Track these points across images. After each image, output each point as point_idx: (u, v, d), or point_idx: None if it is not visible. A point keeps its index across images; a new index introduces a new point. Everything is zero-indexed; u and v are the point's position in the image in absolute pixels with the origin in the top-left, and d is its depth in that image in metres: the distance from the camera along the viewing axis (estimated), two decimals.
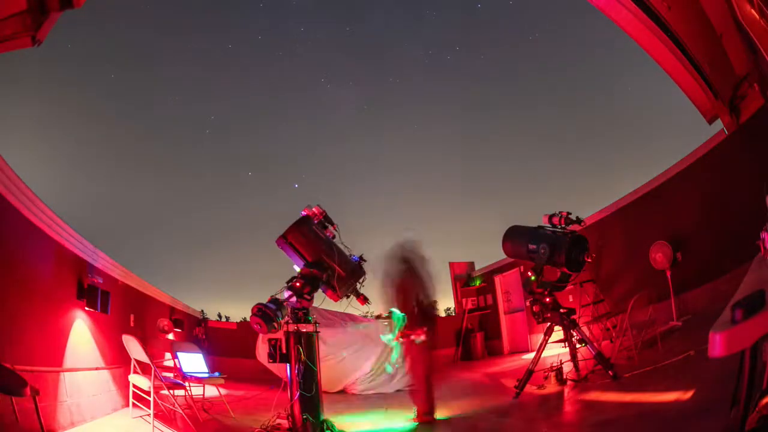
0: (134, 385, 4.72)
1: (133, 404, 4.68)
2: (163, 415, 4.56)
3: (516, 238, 5.28)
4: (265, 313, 3.45)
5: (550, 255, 4.86)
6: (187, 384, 5.16)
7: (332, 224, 3.92)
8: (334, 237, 3.93)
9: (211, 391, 6.01)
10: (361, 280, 3.98)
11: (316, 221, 3.89)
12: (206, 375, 5.65)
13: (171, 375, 5.43)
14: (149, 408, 4.31)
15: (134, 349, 4.68)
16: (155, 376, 4.33)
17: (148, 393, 4.42)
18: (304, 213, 3.89)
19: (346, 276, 3.81)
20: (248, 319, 3.58)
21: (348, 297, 3.94)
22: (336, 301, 3.91)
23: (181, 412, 4.48)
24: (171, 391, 4.61)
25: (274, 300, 3.58)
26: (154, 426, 4.20)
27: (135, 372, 4.74)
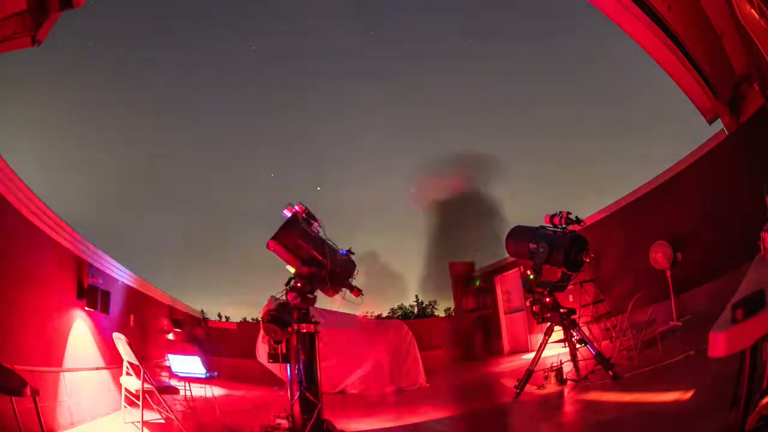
0: (126, 389, 4.55)
1: (125, 407, 4.52)
2: (157, 418, 4.43)
3: (518, 237, 5.35)
4: (278, 318, 3.42)
5: (548, 254, 4.90)
6: (185, 384, 5.11)
7: (316, 220, 3.87)
8: (318, 233, 3.89)
9: (217, 393, 5.97)
10: (354, 274, 3.96)
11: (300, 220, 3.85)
12: (197, 375, 5.50)
13: (167, 376, 5.34)
14: (142, 411, 4.14)
15: (123, 349, 4.51)
16: (144, 379, 4.16)
17: (137, 396, 4.25)
18: (287, 212, 3.82)
19: (339, 271, 3.80)
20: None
21: (342, 291, 3.92)
22: (331, 296, 3.89)
23: (173, 416, 4.32)
24: (162, 395, 4.41)
25: (282, 304, 3.56)
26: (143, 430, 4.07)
27: (127, 374, 4.57)
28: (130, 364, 4.49)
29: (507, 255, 9.62)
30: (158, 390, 4.39)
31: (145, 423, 4.15)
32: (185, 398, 5.39)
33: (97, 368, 4.87)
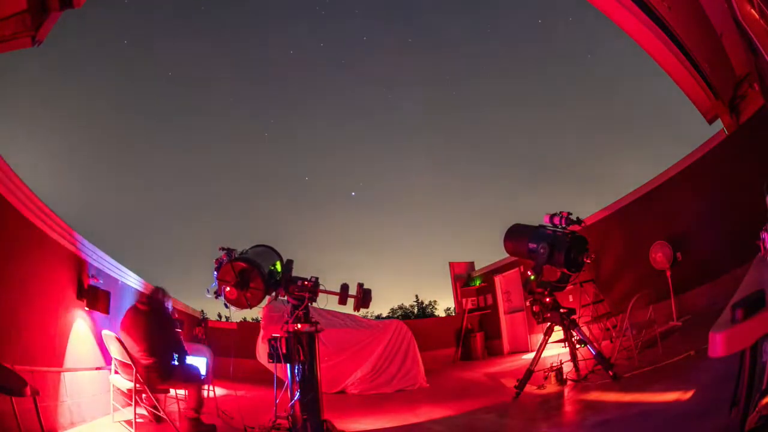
0: (115, 387, 4.43)
1: (115, 408, 4.44)
2: (153, 418, 4.39)
3: (517, 236, 5.32)
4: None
5: (549, 255, 4.88)
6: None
7: None
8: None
9: (217, 392, 5.94)
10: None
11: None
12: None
13: None
14: (135, 411, 4.07)
15: (114, 348, 4.38)
16: (137, 378, 4.04)
17: (129, 396, 4.16)
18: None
19: None
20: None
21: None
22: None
23: (165, 416, 4.21)
24: (155, 395, 4.24)
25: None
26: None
27: (116, 372, 4.45)
28: (122, 363, 4.35)
29: (508, 255, 9.65)
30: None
31: (138, 423, 4.10)
32: (184, 397, 5.37)
33: (97, 368, 4.87)
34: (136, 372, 4.05)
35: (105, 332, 4.60)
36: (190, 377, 4.31)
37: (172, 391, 4.74)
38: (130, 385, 4.12)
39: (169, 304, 4.87)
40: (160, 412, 4.22)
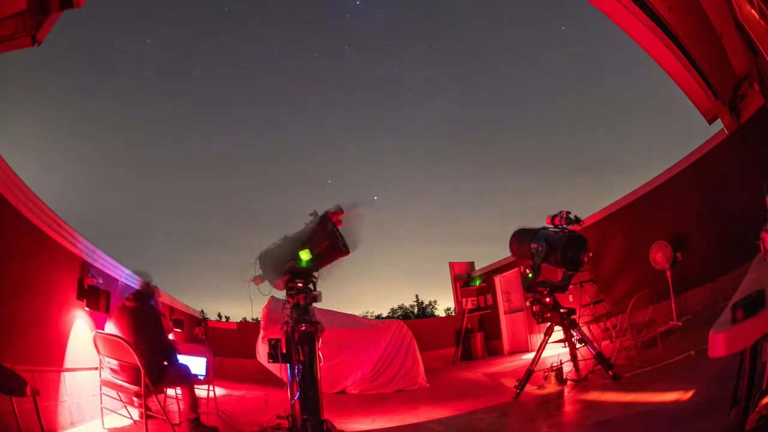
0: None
1: (109, 411, 4.33)
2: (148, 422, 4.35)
3: (522, 237, 5.41)
4: None
5: (546, 253, 4.93)
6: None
7: None
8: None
9: (217, 393, 5.93)
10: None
11: None
12: (197, 376, 5.41)
13: None
14: (128, 415, 4.03)
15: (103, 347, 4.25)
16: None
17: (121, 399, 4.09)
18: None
19: None
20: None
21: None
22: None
23: (166, 417, 4.08)
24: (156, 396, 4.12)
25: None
26: None
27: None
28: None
29: (508, 255, 9.68)
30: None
31: (133, 423, 4.07)
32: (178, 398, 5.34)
33: (97, 368, 4.86)
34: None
35: (97, 333, 4.48)
36: (180, 378, 4.26)
37: (171, 391, 4.72)
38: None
39: (157, 298, 4.83)
40: (150, 411, 4.18)
